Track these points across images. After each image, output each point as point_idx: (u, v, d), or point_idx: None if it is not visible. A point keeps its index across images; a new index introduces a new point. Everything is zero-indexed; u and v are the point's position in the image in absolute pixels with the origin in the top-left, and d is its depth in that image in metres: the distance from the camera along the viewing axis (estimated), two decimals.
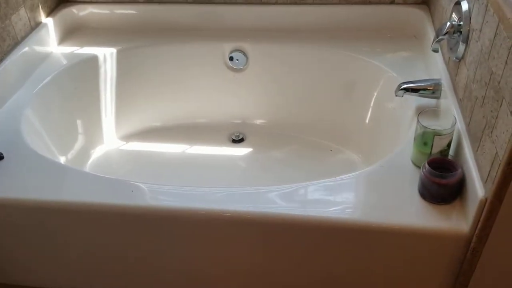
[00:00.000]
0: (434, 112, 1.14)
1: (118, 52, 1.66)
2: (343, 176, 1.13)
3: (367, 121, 1.56)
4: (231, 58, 1.68)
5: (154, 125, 1.76)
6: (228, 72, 1.71)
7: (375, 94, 1.52)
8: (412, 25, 1.59)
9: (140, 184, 1.12)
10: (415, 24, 1.58)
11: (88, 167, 1.59)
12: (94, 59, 1.62)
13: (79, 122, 1.59)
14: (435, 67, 1.36)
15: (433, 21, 1.49)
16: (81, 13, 1.75)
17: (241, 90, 1.72)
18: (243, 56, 1.66)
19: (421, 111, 1.13)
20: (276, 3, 1.65)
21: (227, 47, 1.67)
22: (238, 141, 1.71)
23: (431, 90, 1.28)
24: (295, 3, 1.64)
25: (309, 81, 1.65)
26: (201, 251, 1.14)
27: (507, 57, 0.86)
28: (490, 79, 0.94)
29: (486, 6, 0.99)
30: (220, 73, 1.71)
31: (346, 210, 1.05)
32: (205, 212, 1.06)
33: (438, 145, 1.08)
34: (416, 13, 1.57)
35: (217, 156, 1.69)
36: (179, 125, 1.76)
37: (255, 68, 1.68)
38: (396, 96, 1.30)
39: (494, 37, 0.93)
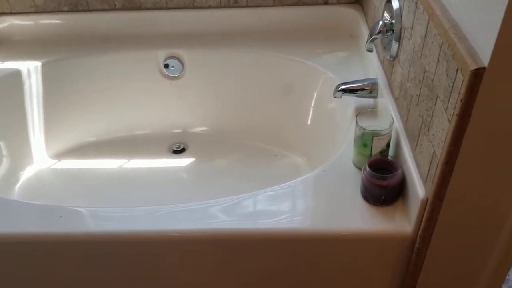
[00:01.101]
0: (372, 112, 1.13)
1: (44, 65, 1.55)
2: (286, 184, 1.10)
3: (308, 122, 1.54)
4: (166, 66, 1.61)
5: (87, 140, 1.66)
6: (164, 80, 1.64)
7: (315, 95, 1.50)
8: (346, 25, 1.59)
9: (75, 208, 1.04)
10: (350, 23, 1.58)
11: (17, 190, 1.48)
12: (16, 74, 1.50)
13: (2, 143, 1.47)
14: (371, 66, 1.35)
15: (366, 20, 1.49)
16: (1, 26, 1.62)
17: (179, 98, 1.66)
18: (178, 63, 1.60)
19: (359, 112, 1.12)
20: (209, 7, 1.60)
21: (161, 54, 1.60)
22: (179, 151, 1.64)
23: (369, 89, 1.27)
24: (229, 6, 1.59)
25: (248, 85, 1.61)
26: (150, 274, 1.07)
27: (439, 55, 0.85)
28: (423, 77, 0.94)
29: (416, 3, 0.98)
30: (156, 81, 1.64)
31: (293, 219, 1.02)
32: (150, 234, 1.00)
33: (377, 146, 1.07)
34: (350, 13, 1.57)
35: (157, 169, 1.61)
36: (115, 139, 1.67)
37: (192, 74, 1.62)
38: (334, 97, 1.29)
39: (425, 35, 0.92)
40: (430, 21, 0.90)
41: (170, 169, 1.61)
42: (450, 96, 0.80)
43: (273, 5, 1.59)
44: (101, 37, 1.63)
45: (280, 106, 1.59)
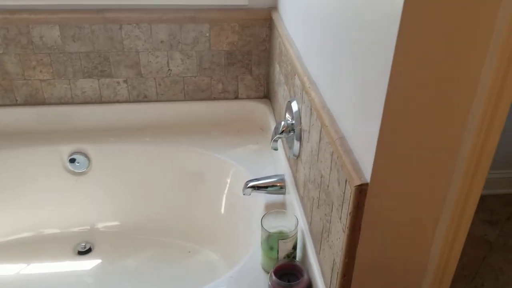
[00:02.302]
0: (278, 213, 1.12)
1: None
2: None
3: (221, 217, 1.50)
4: (72, 161, 1.53)
5: None
6: (69, 176, 1.55)
7: (226, 190, 1.48)
8: (257, 119, 1.62)
9: None
10: (260, 117, 1.61)
11: None
12: None
13: None
14: (279, 162, 1.36)
15: (274, 115, 1.53)
16: None
17: (86, 194, 1.57)
18: (84, 158, 1.53)
19: (264, 214, 1.10)
20: (117, 102, 1.57)
21: (66, 150, 1.52)
22: (84, 252, 1.53)
23: (279, 186, 1.27)
24: (138, 101, 1.58)
25: (158, 179, 1.56)
26: None
27: (331, 162, 0.86)
28: (321, 182, 0.94)
29: (311, 109, 1.01)
30: (60, 177, 1.54)
31: None
32: None
33: (283, 249, 1.04)
34: (259, 107, 1.61)
35: (59, 273, 1.48)
36: (14, 241, 1.53)
37: (99, 169, 1.55)
38: (244, 194, 1.27)
39: (320, 141, 0.94)
40: (322, 129, 0.92)
41: (74, 273, 1.48)
42: (342, 205, 0.80)
43: (184, 100, 1.60)
44: (3, 132, 1.54)
45: (192, 200, 1.54)
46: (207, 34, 1.50)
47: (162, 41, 1.49)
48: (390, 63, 0.61)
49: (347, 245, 0.77)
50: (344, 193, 0.79)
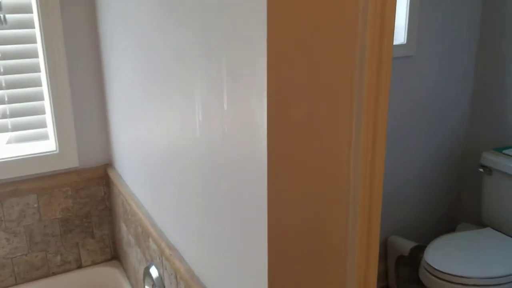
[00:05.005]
0: None
1: None
2: None
3: None
4: None
5: None
6: None
7: None
8: (108, 285, 1.44)
9: None
10: (111, 283, 1.44)
11: None
12: None
13: None
14: None
15: (129, 279, 1.38)
16: None
17: None
18: None
19: None
20: None
21: None
22: None
23: None
24: None
25: None
26: None
27: None
28: None
29: (176, 278, 0.92)
30: None
31: None
32: None
33: None
34: (109, 272, 1.44)
35: None
36: None
37: None
38: None
39: None
40: None
41: None
42: None
43: (15, 284, 1.35)
44: None
45: None
46: (35, 205, 1.33)
47: None
48: (266, 220, 0.59)
49: None
50: None
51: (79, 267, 1.43)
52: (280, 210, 0.59)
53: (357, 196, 0.64)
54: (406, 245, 1.94)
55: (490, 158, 1.79)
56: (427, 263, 1.70)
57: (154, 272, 1.05)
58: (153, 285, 1.06)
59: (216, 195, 0.71)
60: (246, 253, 0.65)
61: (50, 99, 1.30)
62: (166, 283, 1.00)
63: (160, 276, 1.03)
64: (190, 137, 0.77)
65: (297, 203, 0.60)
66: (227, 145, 0.65)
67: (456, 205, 2.22)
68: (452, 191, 2.18)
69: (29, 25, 1.25)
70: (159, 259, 1.02)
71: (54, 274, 1.40)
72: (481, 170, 1.83)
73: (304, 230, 0.62)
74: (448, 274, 1.62)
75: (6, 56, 1.25)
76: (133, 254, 1.27)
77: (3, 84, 1.26)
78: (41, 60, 1.28)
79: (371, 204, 0.63)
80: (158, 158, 0.95)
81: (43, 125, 1.33)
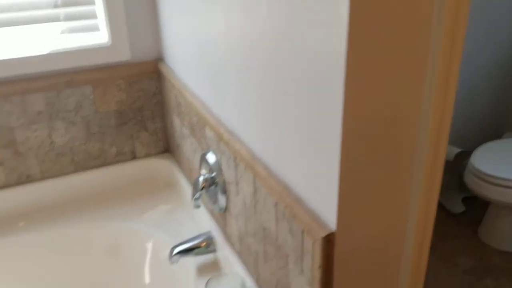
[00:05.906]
0: (220, 277, 1.03)
1: None
2: None
3: None
4: None
5: None
6: None
7: (147, 260, 1.34)
8: (162, 176, 1.51)
9: None
10: (165, 174, 1.50)
11: None
12: None
13: None
14: (200, 218, 1.27)
15: (182, 170, 1.44)
16: None
17: None
18: None
19: (207, 281, 1.00)
20: None
21: None
22: None
23: (205, 245, 1.18)
24: (20, 183, 1.37)
25: (65, 267, 1.35)
26: None
27: (276, 214, 0.81)
28: (264, 234, 0.89)
29: (235, 160, 0.95)
30: None
31: None
32: None
33: None
34: (162, 164, 1.50)
35: None
36: None
37: None
38: (172, 263, 1.15)
39: (255, 192, 0.89)
40: (256, 179, 0.86)
41: None
42: (302, 258, 0.75)
43: (75, 172, 1.43)
44: None
45: (108, 282, 1.37)
46: (91, 97, 1.36)
47: (39, 112, 1.32)
48: (341, 101, 0.58)
49: None
50: (302, 245, 0.74)
51: (134, 158, 1.49)
52: (356, 84, 0.58)
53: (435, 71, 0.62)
54: (451, 150, 1.93)
55: None
56: (474, 167, 1.69)
57: (211, 158, 1.09)
58: (210, 169, 1.10)
59: (284, 74, 0.70)
60: (317, 134, 0.65)
61: None
62: (224, 166, 1.03)
63: (217, 161, 1.07)
64: (254, 17, 0.75)
65: (373, 79, 0.59)
66: (298, 19, 0.63)
67: (504, 115, 2.16)
68: (500, 101, 2.11)
69: None
70: (216, 145, 1.05)
71: (110, 164, 1.46)
72: None
73: (379, 108, 0.61)
74: (496, 177, 1.62)
75: None
76: (187, 146, 1.30)
77: None
78: None
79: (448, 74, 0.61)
80: (218, 47, 0.94)
81: (93, 16, 1.32)
